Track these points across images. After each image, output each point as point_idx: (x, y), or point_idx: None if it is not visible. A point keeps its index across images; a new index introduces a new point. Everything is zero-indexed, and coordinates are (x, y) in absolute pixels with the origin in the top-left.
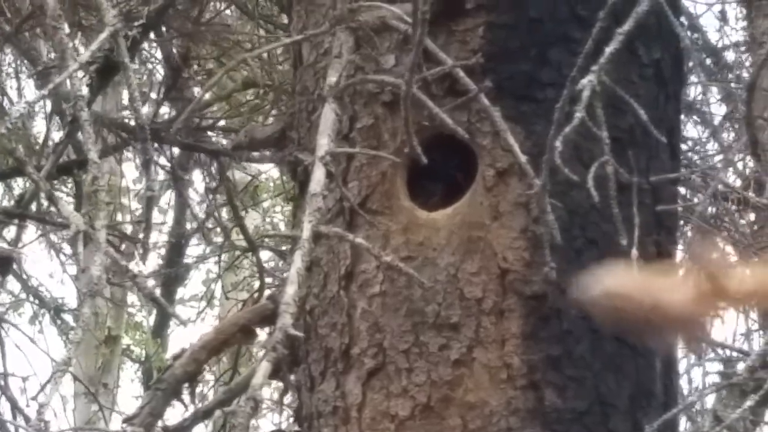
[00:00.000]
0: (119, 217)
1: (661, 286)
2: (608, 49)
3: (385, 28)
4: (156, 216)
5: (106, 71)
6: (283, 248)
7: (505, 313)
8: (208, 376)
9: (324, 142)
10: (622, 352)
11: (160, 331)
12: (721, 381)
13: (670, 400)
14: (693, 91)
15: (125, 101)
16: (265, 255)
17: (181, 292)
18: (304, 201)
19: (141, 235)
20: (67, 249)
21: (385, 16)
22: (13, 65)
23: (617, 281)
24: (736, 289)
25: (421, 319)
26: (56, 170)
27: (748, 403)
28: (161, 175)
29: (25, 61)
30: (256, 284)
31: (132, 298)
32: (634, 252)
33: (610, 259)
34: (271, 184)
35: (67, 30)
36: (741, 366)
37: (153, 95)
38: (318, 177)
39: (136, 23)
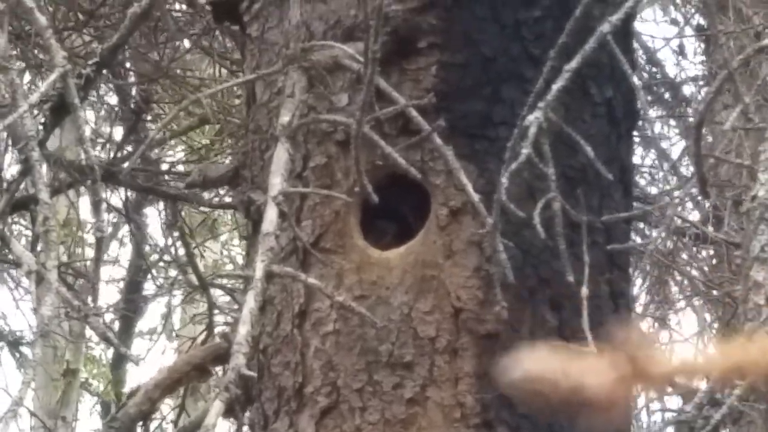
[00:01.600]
0: (78, 250)
1: (580, 368)
2: (555, 86)
3: (338, 68)
4: (114, 249)
5: (60, 109)
6: (237, 286)
7: (459, 352)
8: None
9: (277, 182)
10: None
11: (118, 364)
12: (670, 417)
13: None
14: (653, 126)
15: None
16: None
17: (140, 325)
18: (257, 240)
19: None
20: (25, 282)
21: (337, 55)
22: None
23: (535, 364)
24: (656, 371)
25: (374, 358)
26: (12, 206)
27: None
28: (115, 214)
29: None
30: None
31: (90, 332)
32: (584, 290)
33: (563, 298)
34: (229, 217)
35: (17, 70)
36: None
37: (112, 130)
38: (271, 217)
39: (89, 62)
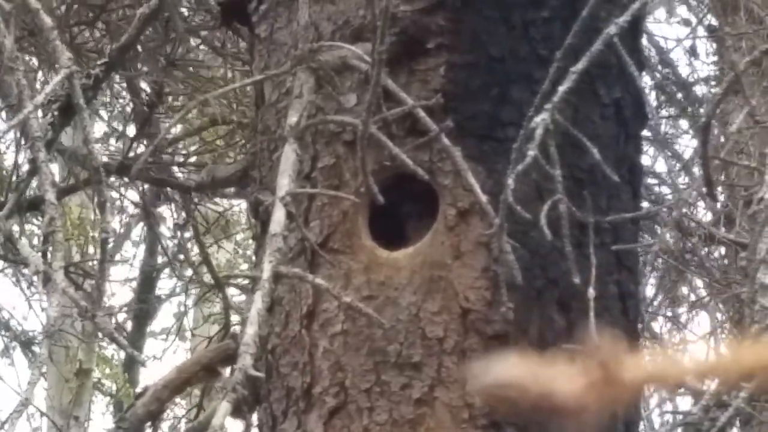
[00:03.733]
0: (90, 249)
1: (550, 374)
2: (561, 88)
3: (346, 68)
4: (128, 249)
5: (68, 109)
6: (250, 285)
7: (467, 353)
8: (179, 411)
9: (284, 183)
10: None
11: (131, 364)
12: (677, 420)
13: None
14: (664, 126)
15: (97, 135)
16: (236, 290)
17: (153, 325)
18: (266, 241)
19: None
20: (36, 281)
21: (345, 56)
22: None
23: (505, 369)
24: (628, 376)
25: (382, 358)
26: (26, 205)
27: None
28: (132, 210)
29: None
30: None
31: None
32: (591, 292)
33: (571, 298)
34: (243, 218)
35: (23, 71)
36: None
37: (127, 127)
38: (278, 218)
39: (99, 62)
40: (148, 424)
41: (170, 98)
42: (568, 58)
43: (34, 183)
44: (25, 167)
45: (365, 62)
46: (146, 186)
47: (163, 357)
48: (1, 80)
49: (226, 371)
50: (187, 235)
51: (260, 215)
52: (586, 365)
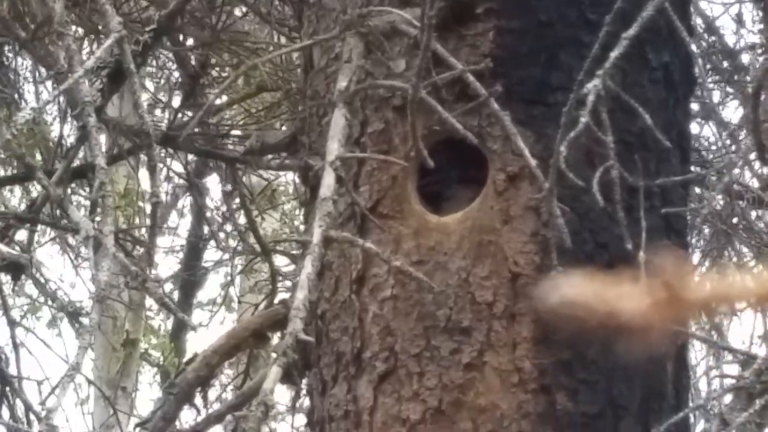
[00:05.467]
0: (138, 220)
1: (616, 293)
2: (613, 54)
3: (395, 33)
4: (174, 220)
5: (117, 76)
6: (298, 252)
7: (516, 317)
8: (224, 379)
9: (334, 147)
10: (632, 356)
11: (178, 334)
12: (726, 385)
13: (681, 403)
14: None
15: (144, 104)
16: (284, 260)
17: (200, 296)
18: (315, 206)
19: (148, 241)
20: (84, 251)
21: (394, 20)
22: (31, 71)
23: (572, 289)
24: (692, 296)
25: (432, 323)
26: (71, 174)
27: (755, 406)
28: (177, 181)
29: (41, 67)
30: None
31: (150, 301)
32: (642, 255)
33: (620, 262)
34: (291, 189)
35: (72, 36)
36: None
37: (170, 99)
38: (328, 182)
39: (147, 28)
40: (198, 389)
41: (215, 69)
42: (617, 23)
43: (80, 153)
44: (71, 138)
45: (414, 27)
46: (191, 157)
47: (210, 326)
48: (45, 50)
49: (276, 336)
50: (233, 205)
51: (309, 180)
52: (651, 285)
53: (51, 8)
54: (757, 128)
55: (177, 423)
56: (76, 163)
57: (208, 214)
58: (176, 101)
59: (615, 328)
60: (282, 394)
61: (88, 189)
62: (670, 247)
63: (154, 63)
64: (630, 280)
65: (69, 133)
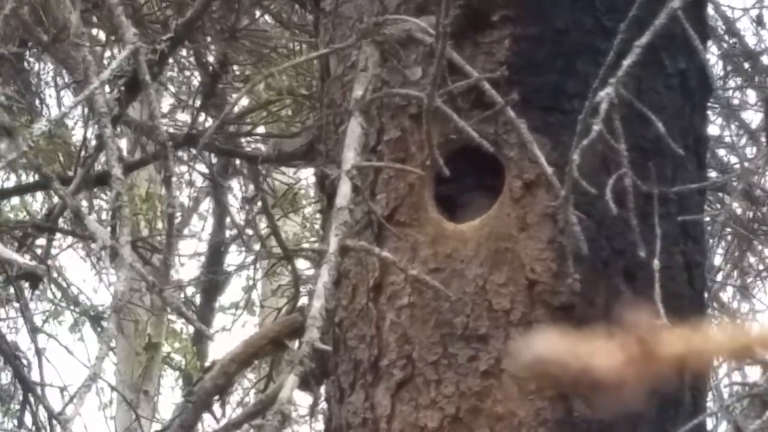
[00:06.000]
0: (159, 224)
1: (589, 350)
2: (626, 62)
3: (411, 41)
4: (195, 223)
5: (134, 85)
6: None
7: (534, 325)
8: (247, 383)
9: (350, 156)
10: (609, 413)
11: (200, 338)
12: (743, 391)
13: (698, 409)
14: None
15: (164, 109)
16: (306, 263)
17: (222, 300)
18: (332, 214)
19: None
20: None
21: (410, 29)
22: (52, 75)
23: (546, 346)
24: (667, 352)
25: (449, 330)
26: (94, 180)
27: None
28: (200, 182)
29: (64, 71)
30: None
31: None
32: (656, 263)
33: (637, 268)
34: (312, 192)
35: (89, 47)
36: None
37: (193, 101)
38: (344, 191)
39: (164, 37)
40: (216, 397)
41: (235, 69)
42: (633, 30)
43: (102, 158)
44: (94, 143)
45: (430, 35)
46: (214, 158)
47: (232, 330)
48: (67, 56)
49: (294, 344)
50: (255, 209)
51: (326, 189)
52: (625, 341)
53: (67, 19)
54: None
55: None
56: (99, 168)
57: (231, 216)
58: (197, 101)
59: (589, 384)
60: (303, 398)
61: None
62: (641, 303)
63: (174, 66)
64: (603, 336)
65: (91, 137)
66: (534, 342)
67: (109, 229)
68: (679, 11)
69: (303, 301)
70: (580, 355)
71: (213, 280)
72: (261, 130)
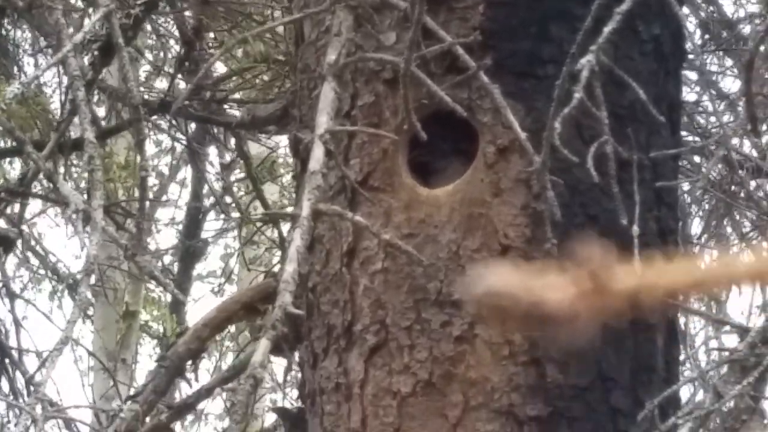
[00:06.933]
0: (137, 193)
1: (542, 284)
2: (606, 29)
3: (385, 6)
4: (174, 191)
5: (108, 49)
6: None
7: None
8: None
9: (323, 121)
10: (622, 328)
11: (177, 306)
12: (722, 357)
13: (671, 375)
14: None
15: (141, 77)
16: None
17: (199, 268)
18: (305, 179)
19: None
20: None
21: None
22: (30, 43)
23: (497, 280)
24: (617, 286)
25: (423, 295)
26: (70, 146)
27: (749, 379)
28: (178, 149)
29: (40, 36)
30: (275, 258)
31: None
32: (635, 229)
33: (611, 235)
34: (290, 160)
35: (62, 10)
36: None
37: (171, 67)
38: (317, 155)
39: (138, 2)
40: (189, 362)
41: (210, 35)
42: None
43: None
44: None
45: (404, 0)
46: (191, 124)
47: (210, 299)
48: (43, 21)
49: (268, 309)
50: (233, 178)
51: (300, 153)
52: (577, 275)
53: None
54: (750, 100)
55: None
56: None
57: (209, 183)
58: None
59: (540, 318)
60: (279, 365)
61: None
62: (596, 239)
63: (152, 33)
64: (555, 270)
65: (66, 102)
66: (485, 275)
67: (84, 194)
68: None
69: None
70: (532, 289)
71: (190, 247)
72: (237, 95)
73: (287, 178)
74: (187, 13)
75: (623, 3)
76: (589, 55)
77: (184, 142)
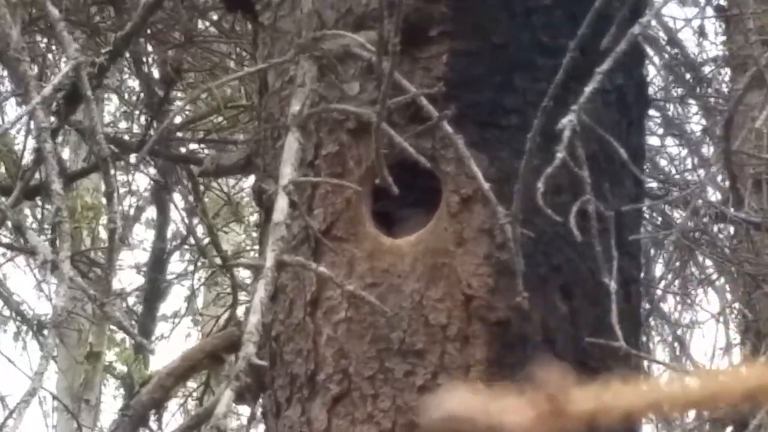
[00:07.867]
0: (102, 233)
1: (499, 407)
2: (587, 89)
3: (349, 57)
4: (139, 231)
5: (73, 98)
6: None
7: (470, 340)
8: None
9: (287, 171)
10: (583, 378)
11: (141, 347)
12: None
13: None
14: (672, 108)
15: (110, 117)
16: (246, 272)
17: (163, 308)
18: (269, 229)
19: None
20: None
21: (348, 44)
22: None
23: (455, 404)
24: (576, 410)
25: (386, 345)
26: (34, 190)
27: None
28: (143, 191)
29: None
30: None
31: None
32: (613, 285)
33: (574, 285)
34: (253, 201)
35: (29, 63)
36: None
37: (141, 108)
38: (281, 206)
39: (102, 50)
40: (153, 411)
41: (189, 75)
42: (576, 49)
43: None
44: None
45: (368, 50)
46: (158, 164)
47: (174, 339)
48: (12, 68)
49: (231, 358)
50: (196, 220)
51: (264, 203)
52: (535, 398)
53: (8, 35)
54: (729, 159)
55: None
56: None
57: (173, 226)
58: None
59: None
60: (245, 409)
61: (40, 207)
62: (553, 361)
63: (118, 78)
64: (514, 393)
65: (31, 150)
66: (445, 399)
67: (48, 243)
68: (639, 37)
69: (242, 310)
70: (490, 412)
71: (155, 288)
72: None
73: (253, 218)
74: (154, 56)
75: (605, 63)
76: (570, 114)
77: (158, 180)
